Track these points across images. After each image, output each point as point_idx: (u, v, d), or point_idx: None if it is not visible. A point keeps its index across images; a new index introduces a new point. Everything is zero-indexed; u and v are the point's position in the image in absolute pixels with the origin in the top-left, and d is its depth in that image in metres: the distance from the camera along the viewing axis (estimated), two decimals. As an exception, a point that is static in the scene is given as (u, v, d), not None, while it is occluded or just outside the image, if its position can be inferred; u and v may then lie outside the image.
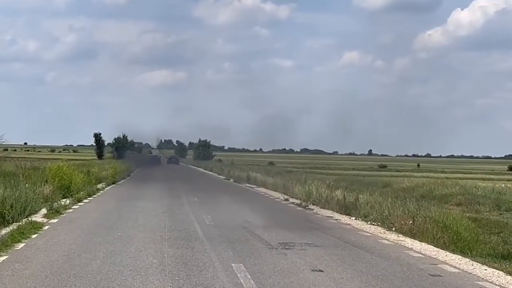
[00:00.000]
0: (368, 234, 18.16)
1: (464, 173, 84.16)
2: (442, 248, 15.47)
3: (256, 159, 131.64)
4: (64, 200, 24.56)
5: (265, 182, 43.30)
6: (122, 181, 46.72)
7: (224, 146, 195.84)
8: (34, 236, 15.52)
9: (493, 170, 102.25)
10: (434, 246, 15.86)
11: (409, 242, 16.60)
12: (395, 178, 53.20)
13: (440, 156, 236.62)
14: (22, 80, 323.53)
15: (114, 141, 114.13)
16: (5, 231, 15.88)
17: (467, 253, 14.86)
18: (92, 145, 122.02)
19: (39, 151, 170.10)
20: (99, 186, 36.08)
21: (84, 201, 26.56)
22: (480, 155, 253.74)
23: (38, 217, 19.20)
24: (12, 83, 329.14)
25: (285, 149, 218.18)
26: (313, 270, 11.93)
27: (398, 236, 17.73)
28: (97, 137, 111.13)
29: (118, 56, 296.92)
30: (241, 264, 12.16)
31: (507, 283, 11.63)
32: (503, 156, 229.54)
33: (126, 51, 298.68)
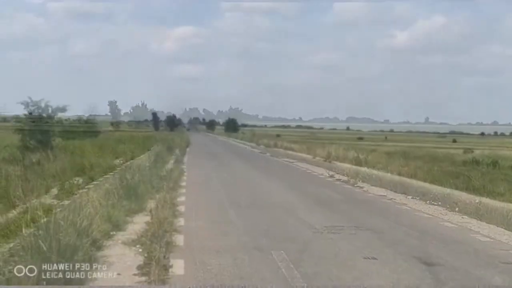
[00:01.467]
0: (428, 216, 18.04)
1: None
2: (515, 231, 15.35)
3: (294, 129, 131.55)
4: (77, 178, 24.67)
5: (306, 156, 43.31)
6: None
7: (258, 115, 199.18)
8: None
9: None
10: (505, 229, 15.71)
11: (475, 224, 16.46)
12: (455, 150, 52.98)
13: (510, 124, 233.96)
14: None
15: (131, 111, 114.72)
16: (11, 214, 16.01)
17: (544, 238, 14.71)
18: (107, 115, 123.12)
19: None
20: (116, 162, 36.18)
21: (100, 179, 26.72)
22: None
23: (47, 199, 19.32)
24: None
25: (328, 117, 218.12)
26: (365, 258, 11.85)
27: (462, 217, 17.59)
28: (113, 105, 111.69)
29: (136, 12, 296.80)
30: (282, 251, 12.08)
31: None
32: None
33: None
